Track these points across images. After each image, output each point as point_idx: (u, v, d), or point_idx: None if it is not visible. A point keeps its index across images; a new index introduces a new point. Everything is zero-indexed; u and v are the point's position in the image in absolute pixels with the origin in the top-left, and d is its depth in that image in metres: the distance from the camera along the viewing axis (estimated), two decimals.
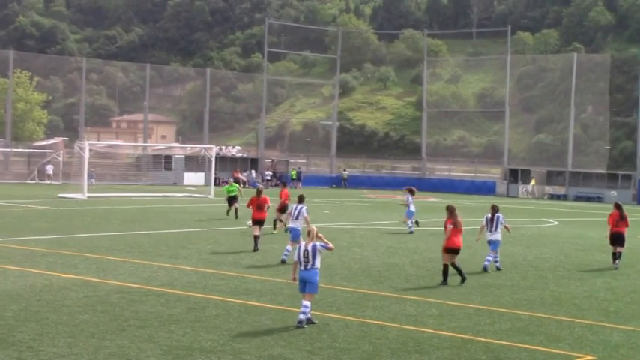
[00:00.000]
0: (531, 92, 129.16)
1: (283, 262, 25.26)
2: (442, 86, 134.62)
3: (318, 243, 16.66)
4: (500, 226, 26.02)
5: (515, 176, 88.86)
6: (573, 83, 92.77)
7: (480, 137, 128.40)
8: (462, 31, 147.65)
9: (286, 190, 37.80)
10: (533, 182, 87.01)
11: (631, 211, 63.99)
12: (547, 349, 14.99)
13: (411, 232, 36.49)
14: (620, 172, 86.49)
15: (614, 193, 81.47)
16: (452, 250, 22.53)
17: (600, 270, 26.43)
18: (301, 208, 26.30)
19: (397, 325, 16.57)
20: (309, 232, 17.02)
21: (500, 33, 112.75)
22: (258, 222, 28.85)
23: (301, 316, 16.15)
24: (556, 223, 48.10)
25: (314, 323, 16.25)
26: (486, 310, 18.72)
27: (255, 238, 28.45)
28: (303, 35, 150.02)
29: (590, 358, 14.50)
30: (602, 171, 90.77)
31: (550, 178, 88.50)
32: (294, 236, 25.69)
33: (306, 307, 16.20)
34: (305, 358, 13.82)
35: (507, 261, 27.50)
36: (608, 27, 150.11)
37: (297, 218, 26.19)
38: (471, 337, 15.74)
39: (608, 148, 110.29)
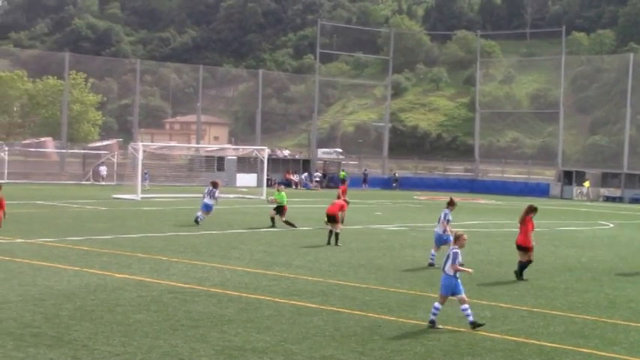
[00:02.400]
0: (586, 93, 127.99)
1: (431, 265, 25.52)
2: (495, 87, 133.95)
3: (458, 250, 16.77)
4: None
5: (570, 178, 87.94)
6: (630, 84, 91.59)
7: (533, 138, 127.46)
8: (515, 32, 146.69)
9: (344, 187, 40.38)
10: (587, 184, 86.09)
11: None
12: (602, 353, 14.84)
13: None
14: None
15: None
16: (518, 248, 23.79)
17: None
18: (445, 214, 26.21)
19: (450, 328, 16.51)
20: (456, 238, 17.22)
21: (555, 33, 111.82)
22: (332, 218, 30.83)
23: (432, 317, 16.47)
24: (611, 225, 47.56)
25: (480, 324, 16.36)
26: (540, 313, 18.58)
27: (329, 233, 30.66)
28: (355, 36, 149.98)
29: None
30: None
31: (605, 179, 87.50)
32: (436, 240, 26.04)
33: (436, 308, 16.53)
34: (356, 359, 13.82)
35: (561, 263, 27.27)
36: None
37: (439, 222, 26.40)
38: (524, 340, 15.63)
39: None
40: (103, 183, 76.56)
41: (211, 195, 38.93)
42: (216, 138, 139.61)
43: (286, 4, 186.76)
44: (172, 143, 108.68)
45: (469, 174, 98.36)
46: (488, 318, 17.71)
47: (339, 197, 34.58)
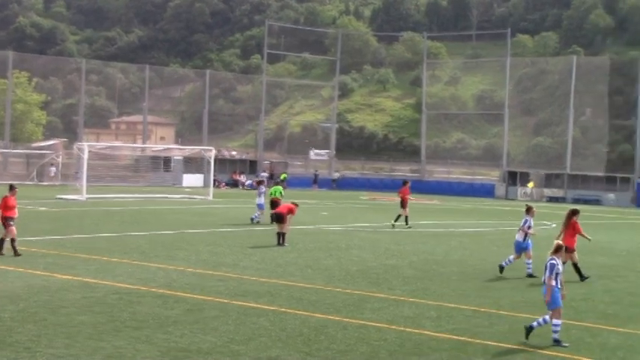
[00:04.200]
0: (530, 95, 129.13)
1: (501, 268, 25.04)
2: (441, 88, 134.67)
3: (556, 261, 16.14)
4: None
5: (514, 178, 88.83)
6: (572, 86, 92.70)
7: (478, 139, 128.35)
8: (461, 34, 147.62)
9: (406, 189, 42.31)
10: (531, 184, 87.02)
11: (630, 214, 64.10)
12: (545, 352, 14.99)
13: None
14: (618, 175, 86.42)
15: (612, 195, 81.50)
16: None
17: (599, 273, 26.33)
18: (526, 221, 25.56)
19: (395, 327, 16.56)
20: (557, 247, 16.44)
21: (500, 35, 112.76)
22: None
23: (534, 324, 16.07)
24: (554, 225, 47.97)
25: (563, 346, 15.56)
26: (485, 313, 18.71)
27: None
28: (302, 37, 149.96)
29: None
30: (601, 174, 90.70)
31: (549, 180, 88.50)
32: (516, 248, 25.36)
33: (548, 323, 16.03)
34: (302, 359, 13.80)
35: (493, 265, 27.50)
36: (607, 30, 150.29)
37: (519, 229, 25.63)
38: (469, 340, 15.73)
39: (607, 150, 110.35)
40: (48, 183, 75.65)
41: (259, 193, 41.21)
42: (162, 138, 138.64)
43: (234, 4, 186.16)
44: (118, 143, 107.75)
45: (415, 174, 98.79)
46: (434, 317, 17.80)
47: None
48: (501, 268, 24.86)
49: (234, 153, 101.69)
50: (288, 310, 17.88)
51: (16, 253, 24.84)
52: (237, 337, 15.22)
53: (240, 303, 18.66)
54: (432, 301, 19.91)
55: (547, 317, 15.95)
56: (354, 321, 17.08)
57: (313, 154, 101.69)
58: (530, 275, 24.58)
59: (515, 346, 15.32)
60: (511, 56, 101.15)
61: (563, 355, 14.81)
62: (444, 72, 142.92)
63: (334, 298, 19.71)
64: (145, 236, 32.54)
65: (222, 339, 15.05)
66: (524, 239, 25.07)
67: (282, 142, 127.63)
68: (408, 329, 16.45)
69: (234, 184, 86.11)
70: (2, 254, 24.89)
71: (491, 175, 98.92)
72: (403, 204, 41.99)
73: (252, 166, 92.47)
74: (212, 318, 16.91)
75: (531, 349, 15.13)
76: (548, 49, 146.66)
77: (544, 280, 16.09)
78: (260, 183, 43.52)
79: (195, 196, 61.87)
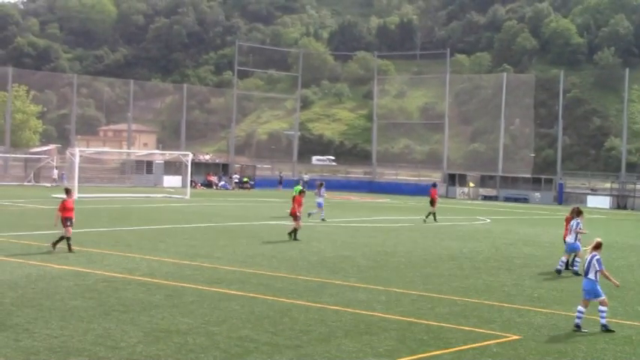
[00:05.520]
0: (467, 107, 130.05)
1: (558, 272, 23.78)
2: (390, 101, 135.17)
3: (596, 257, 15.75)
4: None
5: (454, 180, 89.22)
6: (503, 99, 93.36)
7: (422, 145, 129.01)
8: (407, 53, 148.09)
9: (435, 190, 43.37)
10: (471, 184, 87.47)
11: (552, 210, 64.70)
12: (480, 330, 15.10)
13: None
14: (543, 177, 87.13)
15: (537, 194, 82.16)
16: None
17: (526, 262, 26.56)
18: (577, 223, 23.94)
19: (350, 310, 16.60)
20: (597, 245, 15.99)
21: (441, 55, 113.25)
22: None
23: (577, 321, 15.62)
24: (488, 220, 48.43)
25: (610, 331, 15.39)
26: (428, 297, 18.80)
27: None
28: (268, 56, 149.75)
29: (516, 337, 14.62)
30: (528, 175, 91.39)
31: (483, 181, 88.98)
32: (567, 248, 24.10)
33: (581, 312, 15.66)
34: (269, 338, 13.80)
35: (446, 254, 27.67)
36: (533, 50, 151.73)
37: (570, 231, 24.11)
38: (415, 320, 15.80)
39: (533, 155, 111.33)
40: (48, 185, 74.46)
41: (318, 194, 42.24)
42: (145, 144, 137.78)
43: (208, 26, 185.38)
44: (106, 148, 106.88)
45: (368, 176, 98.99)
46: (384, 301, 17.86)
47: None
48: (558, 272, 23.79)
49: (208, 157, 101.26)
50: (257, 296, 17.86)
51: (70, 249, 24.43)
52: (212, 319, 15.19)
53: (214, 289, 18.61)
54: (382, 286, 19.97)
55: (581, 308, 15.64)
56: (314, 305, 17.10)
57: (315, 159, 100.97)
58: (559, 272, 23.76)
59: (454, 326, 15.40)
60: (450, 73, 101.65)
61: (494, 332, 14.91)
62: (392, 86, 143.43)
63: (297, 285, 19.71)
64: (131, 231, 32.33)
65: (198, 321, 15.01)
66: (575, 240, 23.74)
67: (251, 148, 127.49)
68: (361, 312, 16.50)
69: (209, 184, 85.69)
70: (72, 251, 24.36)
71: (433, 177, 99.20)
72: (432, 203, 43.48)
73: (224, 169, 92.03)
74: (190, 302, 16.85)
75: (468, 328, 15.23)
76: (482, 67, 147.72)
77: (587, 274, 15.72)
78: (321, 186, 43.57)
79: (174, 196, 61.55)
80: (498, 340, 14.28)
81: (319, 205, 41.35)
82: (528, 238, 35.15)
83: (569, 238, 23.91)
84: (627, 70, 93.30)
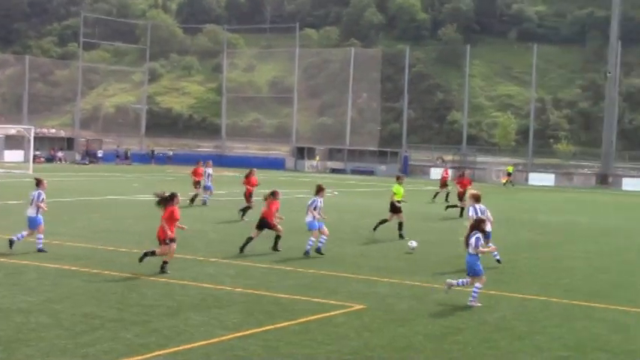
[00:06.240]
0: (316, 80, 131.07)
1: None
2: (239, 74, 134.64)
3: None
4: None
5: (302, 153, 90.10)
6: (351, 73, 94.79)
7: (272, 119, 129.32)
8: (256, 27, 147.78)
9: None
10: (317, 158, 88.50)
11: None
12: (327, 301, 15.30)
13: None
14: (388, 150, 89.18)
15: (383, 167, 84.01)
16: None
17: (372, 233, 26.98)
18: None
19: (197, 284, 16.50)
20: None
21: (290, 29, 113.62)
22: None
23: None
24: (336, 193, 49.10)
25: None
26: (278, 269, 18.91)
27: None
28: (115, 27, 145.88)
29: (362, 307, 14.89)
30: (374, 148, 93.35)
31: (332, 154, 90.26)
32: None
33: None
34: (115, 314, 13.53)
35: (296, 226, 27.83)
36: (379, 26, 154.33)
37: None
38: (264, 293, 15.86)
39: (379, 129, 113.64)
40: None
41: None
42: None
43: None
44: None
45: (217, 150, 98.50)
46: (233, 275, 17.83)
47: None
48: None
49: (53, 131, 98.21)
50: (103, 272, 17.48)
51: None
52: (55, 297, 14.75)
53: (57, 266, 18.08)
54: (231, 260, 19.94)
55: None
56: (161, 279, 16.89)
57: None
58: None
59: (302, 297, 15.54)
60: (299, 47, 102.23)
61: (341, 303, 15.13)
62: (241, 60, 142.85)
63: (145, 261, 19.40)
64: None
65: (40, 298, 14.54)
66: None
67: (98, 122, 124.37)
68: (209, 285, 16.42)
69: (52, 158, 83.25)
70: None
71: (282, 150, 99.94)
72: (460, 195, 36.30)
73: (69, 143, 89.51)
74: (31, 280, 16.31)
75: (316, 299, 15.39)
76: (330, 41, 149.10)
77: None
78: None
79: (13, 171, 59.33)
80: (345, 310, 14.51)
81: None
82: (373, 210, 35.86)
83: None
84: (468, 46, 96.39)
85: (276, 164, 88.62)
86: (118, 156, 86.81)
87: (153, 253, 17.93)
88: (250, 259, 20.09)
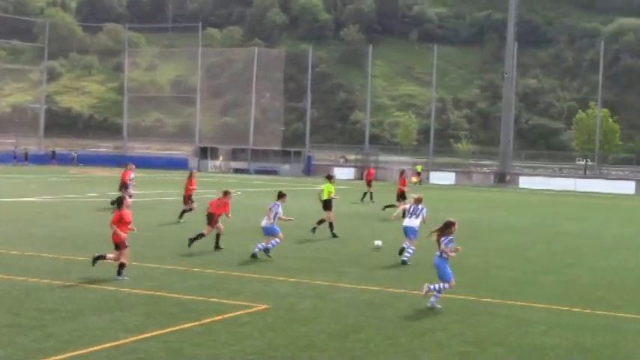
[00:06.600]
0: (219, 80, 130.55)
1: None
2: (141, 74, 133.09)
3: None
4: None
5: (206, 153, 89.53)
6: (254, 73, 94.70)
7: (174, 119, 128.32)
8: (158, 26, 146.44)
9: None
10: (221, 158, 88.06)
11: (301, 182, 66.57)
12: (229, 302, 15.22)
13: None
14: (292, 149, 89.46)
15: (287, 167, 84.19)
16: None
17: (311, 235, 26.71)
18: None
19: (98, 287, 16.20)
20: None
21: (192, 28, 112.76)
22: None
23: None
24: (239, 192, 48.88)
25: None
26: (180, 270, 18.73)
27: None
28: (11, 25, 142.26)
29: (265, 307, 14.87)
30: (278, 148, 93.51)
31: (235, 154, 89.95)
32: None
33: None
34: (12, 319, 13.15)
35: (200, 227, 27.62)
36: (283, 25, 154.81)
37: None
38: (165, 294, 15.69)
39: (283, 128, 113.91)
40: None
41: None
42: None
43: None
44: None
45: (118, 150, 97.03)
46: (135, 277, 17.57)
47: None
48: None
49: None
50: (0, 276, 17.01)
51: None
52: None
53: None
54: (133, 262, 19.64)
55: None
56: (61, 282, 16.52)
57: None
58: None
59: (203, 298, 15.44)
60: (202, 47, 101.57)
61: (244, 303, 15.07)
62: (143, 59, 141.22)
63: (42, 263, 18.98)
64: None
65: None
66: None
67: None
68: (110, 288, 16.15)
69: None
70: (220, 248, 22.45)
71: (185, 150, 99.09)
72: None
73: None
74: None
75: (217, 300, 15.31)
76: (234, 41, 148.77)
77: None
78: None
79: None
80: (248, 311, 14.47)
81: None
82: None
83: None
84: (370, 46, 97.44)
85: (179, 164, 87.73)
86: (15, 157, 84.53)
87: (104, 257, 17.59)
88: (153, 262, 19.84)
